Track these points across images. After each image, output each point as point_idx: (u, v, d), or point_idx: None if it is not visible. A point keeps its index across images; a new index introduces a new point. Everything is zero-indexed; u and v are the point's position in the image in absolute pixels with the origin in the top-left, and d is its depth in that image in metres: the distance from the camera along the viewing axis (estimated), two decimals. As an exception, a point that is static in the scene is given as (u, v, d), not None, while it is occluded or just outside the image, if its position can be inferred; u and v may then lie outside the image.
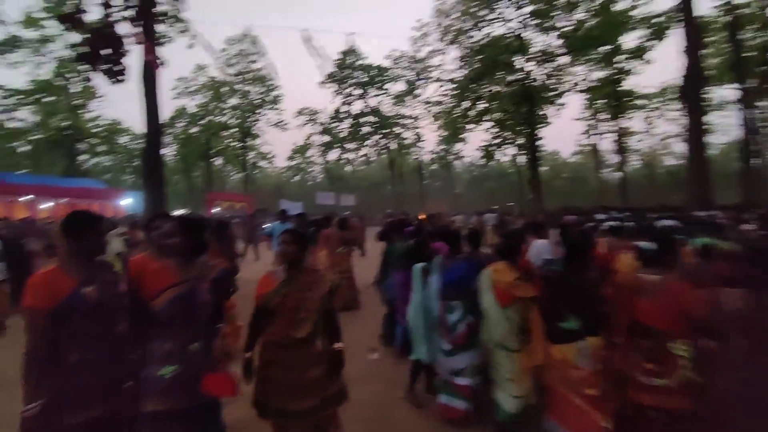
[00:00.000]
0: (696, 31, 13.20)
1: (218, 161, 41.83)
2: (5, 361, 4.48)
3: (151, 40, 10.03)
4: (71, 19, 9.36)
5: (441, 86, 23.84)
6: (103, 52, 9.64)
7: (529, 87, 21.13)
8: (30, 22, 26.38)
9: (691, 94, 12.45)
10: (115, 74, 9.81)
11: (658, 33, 19.69)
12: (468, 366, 2.65)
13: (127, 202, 26.57)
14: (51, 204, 21.16)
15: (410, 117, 36.81)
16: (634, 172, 36.81)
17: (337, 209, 36.38)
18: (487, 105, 23.34)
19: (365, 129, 36.64)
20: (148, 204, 10.03)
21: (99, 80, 10.29)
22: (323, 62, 33.43)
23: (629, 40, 21.49)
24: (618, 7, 19.41)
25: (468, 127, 24.14)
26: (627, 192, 24.92)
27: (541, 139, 22.55)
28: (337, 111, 35.93)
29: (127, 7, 9.94)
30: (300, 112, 40.11)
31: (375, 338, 4.79)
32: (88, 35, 9.66)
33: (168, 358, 1.87)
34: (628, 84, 24.27)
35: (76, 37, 28.19)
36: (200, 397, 1.90)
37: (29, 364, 1.58)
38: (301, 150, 47.88)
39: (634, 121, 28.14)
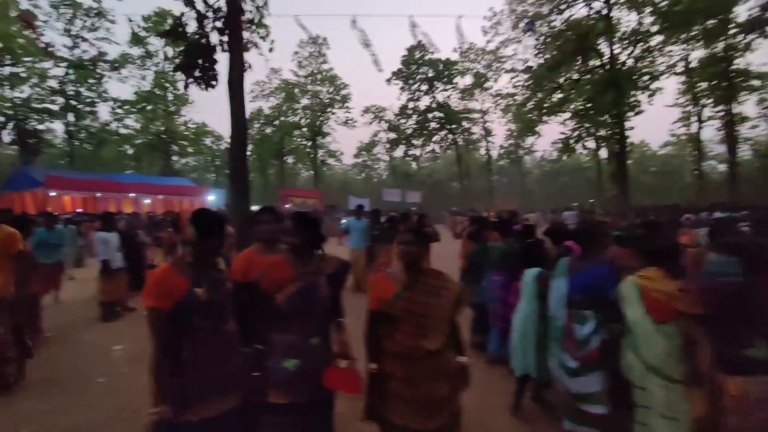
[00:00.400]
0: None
1: (289, 159, 44.16)
2: (139, 338, 5.08)
3: (239, 47, 10.66)
4: (172, 34, 10.27)
5: (514, 77, 22.56)
6: (197, 61, 10.45)
7: (617, 72, 19.12)
8: (136, 40, 29.87)
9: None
10: (208, 81, 10.59)
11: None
12: (600, 390, 2.26)
13: (212, 198, 29.18)
14: (149, 200, 23.79)
15: (479, 111, 35.65)
16: (745, 165, 31.90)
17: (403, 206, 36.69)
18: (565, 95, 21.63)
19: (432, 124, 36.17)
20: (234, 199, 10.71)
21: (191, 88, 11.01)
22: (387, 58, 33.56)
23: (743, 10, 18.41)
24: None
25: (544, 119, 22.54)
26: (737, 187, 21.60)
27: (631, 129, 20.35)
28: (403, 107, 35.90)
29: (216, 19, 10.66)
30: (367, 110, 40.85)
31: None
32: (184, 48, 10.51)
33: (289, 351, 1.86)
34: (742, 62, 21.03)
35: (172, 50, 31.28)
36: (320, 391, 1.89)
37: (156, 364, 1.62)
38: (367, 147, 48.80)
39: (745, 105, 24.36)
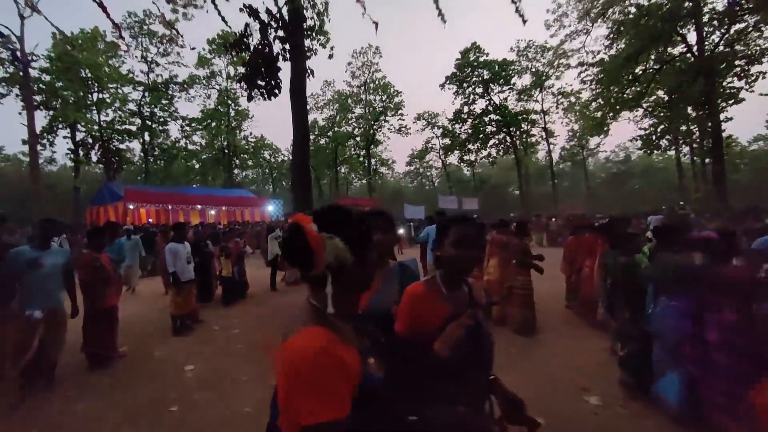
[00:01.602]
0: None
1: (343, 169, 44.76)
2: (210, 357, 4.87)
3: (301, 55, 10.56)
4: (237, 46, 10.39)
5: (584, 70, 20.77)
6: (260, 71, 10.47)
7: (709, 57, 16.85)
8: (202, 61, 31.92)
9: None
10: (271, 91, 10.57)
11: None
12: None
13: (271, 208, 30.10)
14: (214, 211, 24.88)
15: (539, 112, 33.69)
16: None
17: (460, 212, 35.47)
18: (641, 88, 19.53)
19: (489, 128, 34.77)
20: (297, 208, 10.51)
21: (254, 99, 11.05)
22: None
23: None
24: None
25: (618, 115, 20.49)
26: None
27: (728, 120, 17.81)
28: (458, 112, 34.90)
29: (278, 28, 10.64)
30: (419, 117, 40.35)
31: (582, 374, 3.72)
32: (248, 58, 10.58)
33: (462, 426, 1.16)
34: None
35: (233, 69, 32.89)
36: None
37: None
38: (419, 155, 48.28)
39: None
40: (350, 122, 36.55)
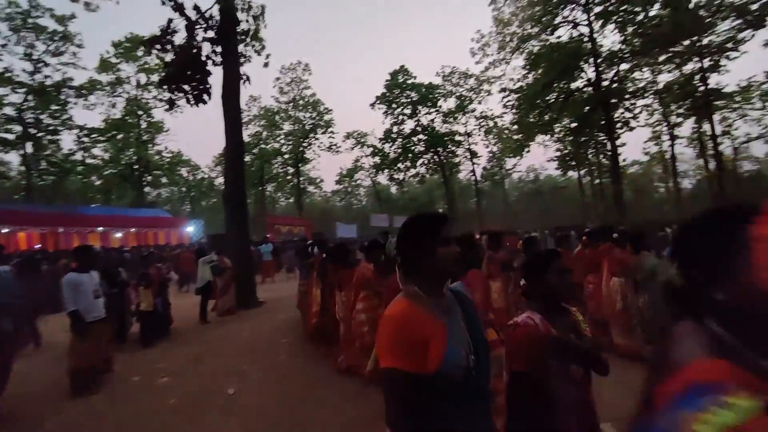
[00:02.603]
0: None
1: (269, 187, 42.65)
2: (129, 424, 3.80)
3: (234, 59, 9.62)
4: (158, 42, 9.12)
5: (506, 96, 22.47)
6: (186, 73, 9.31)
7: (606, 91, 19.33)
8: (105, 66, 28.31)
9: None
10: (199, 95, 9.43)
11: (758, 21, 17.25)
12: None
13: (191, 230, 27.20)
14: (120, 234, 21.72)
15: (462, 134, 35.71)
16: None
17: (392, 231, 35.66)
18: (553, 114, 21.72)
19: (417, 148, 35.87)
20: (231, 226, 9.36)
21: (171, 107, 9.84)
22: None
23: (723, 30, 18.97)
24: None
25: (536, 138, 22.48)
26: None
27: (623, 145, 20.47)
28: (388, 131, 35.52)
29: (207, 28, 9.62)
30: (349, 135, 40.29)
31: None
32: (173, 57, 9.36)
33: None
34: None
35: (144, 77, 29.72)
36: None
37: None
38: (349, 173, 48.06)
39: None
40: (278, 139, 35.06)
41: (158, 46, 9.10)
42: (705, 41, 18.80)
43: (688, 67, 20.79)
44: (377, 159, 38.29)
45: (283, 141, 34.72)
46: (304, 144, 35.22)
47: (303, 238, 17.55)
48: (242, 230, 9.50)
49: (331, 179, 79.90)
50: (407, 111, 35.01)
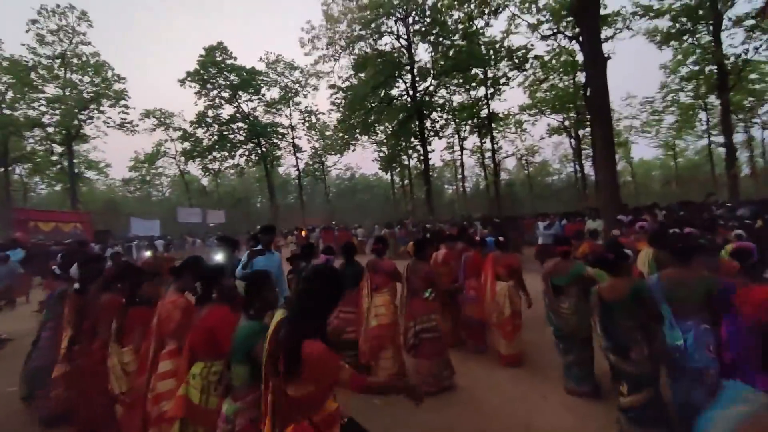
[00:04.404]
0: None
1: (19, 169, 31.24)
2: None
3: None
4: None
5: (335, 93, 22.72)
6: None
7: (420, 101, 21.93)
8: None
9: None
10: None
11: (521, 64, 22.81)
12: None
13: None
14: None
15: (287, 127, 34.48)
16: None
17: (203, 227, 31.40)
18: (376, 117, 23.33)
19: (237, 137, 32.64)
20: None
21: None
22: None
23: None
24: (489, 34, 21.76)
25: (358, 138, 23.62)
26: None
27: (432, 151, 23.70)
28: (201, 114, 31.03)
29: None
30: (149, 114, 33.43)
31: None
32: None
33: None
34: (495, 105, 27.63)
35: None
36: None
37: None
38: (149, 159, 40.19)
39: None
40: (35, 105, 25.62)
41: None
42: (489, 74, 23.59)
43: (475, 94, 25.68)
44: (187, 145, 33.11)
45: (44, 108, 25.71)
46: (82, 117, 27.13)
47: (80, 240, 13.10)
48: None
49: (122, 165, 65.47)
50: (225, 94, 31.44)
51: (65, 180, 29.97)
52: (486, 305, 4.44)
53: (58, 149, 28.06)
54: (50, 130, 26.83)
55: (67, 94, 26.07)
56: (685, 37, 18.79)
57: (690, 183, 31.57)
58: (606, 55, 8.89)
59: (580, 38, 11.53)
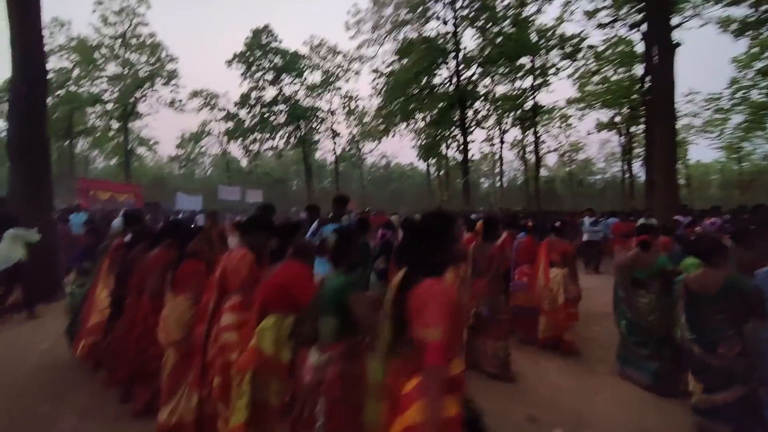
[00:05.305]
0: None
1: (82, 143, 33.63)
2: None
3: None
4: None
5: (377, 77, 22.57)
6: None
7: (462, 90, 21.37)
8: None
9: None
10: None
11: (573, 54, 21.63)
12: None
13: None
14: None
15: (326, 111, 34.79)
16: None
17: (242, 205, 32.52)
18: (416, 104, 22.97)
19: (278, 119, 33.31)
20: (21, 185, 6.60)
21: None
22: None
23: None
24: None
25: (399, 124, 23.40)
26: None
27: (472, 142, 23.12)
28: (245, 96, 31.86)
29: None
30: (196, 94, 34.73)
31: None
32: None
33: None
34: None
35: None
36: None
37: None
38: (195, 138, 41.86)
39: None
40: (97, 82, 27.38)
41: None
42: (538, 63, 22.58)
43: (519, 85, 24.61)
44: (230, 124, 34.20)
45: (105, 86, 27.38)
46: (137, 95, 28.64)
47: (133, 209, 13.96)
48: (43, 193, 6.78)
49: (169, 143, 68.64)
50: (269, 77, 32.04)
51: (120, 154, 31.92)
52: (538, 291, 4.31)
53: (115, 125, 29.86)
54: (109, 107, 28.59)
55: (126, 72, 27.57)
56: (765, 28, 17.00)
57: (755, 189, 28.92)
58: (675, 43, 8.19)
59: (643, 26, 10.73)
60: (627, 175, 27.93)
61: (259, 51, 30.59)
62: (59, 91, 27.23)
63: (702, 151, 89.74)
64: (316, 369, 1.78)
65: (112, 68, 27.43)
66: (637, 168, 27.56)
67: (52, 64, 26.96)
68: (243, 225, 2.85)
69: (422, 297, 1.42)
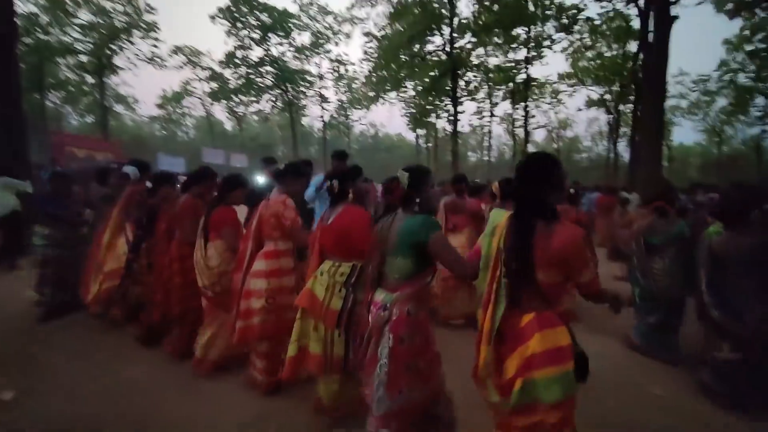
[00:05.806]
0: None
1: (52, 97, 31.76)
2: None
3: None
4: None
5: (368, 42, 21.78)
6: None
7: (456, 58, 20.86)
8: None
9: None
10: None
11: (569, 26, 21.22)
12: None
13: None
14: None
15: (315, 75, 33.65)
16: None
17: (226, 169, 31.85)
18: (409, 71, 22.38)
19: (265, 81, 32.10)
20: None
21: None
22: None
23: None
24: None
25: (388, 92, 22.85)
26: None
27: (462, 113, 22.81)
28: (230, 55, 30.45)
29: None
30: (177, 50, 33.03)
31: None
32: None
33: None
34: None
35: None
36: None
37: None
38: (176, 97, 40.22)
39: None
40: (69, 29, 25.54)
41: None
42: (532, 34, 22.13)
43: (513, 56, 24.13)
44: (215, 85, 32.88)
45: (78, 35, 25.65)
46: (113, 46, 27.01)
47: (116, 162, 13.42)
48: (18, 148, 6.46)
49: (150, 104, 65.75)
50: (255, 35, 30.58)
51: (96, 111, 30.42)
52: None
53: (90, 80, 28.26)
54: (83, 59, 26.90)
55: (100, 21, 25.82)
56: (761, 9, 16.98)
57: (731, 171, 29.85)
58: (673, 16, 8.11)
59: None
60: (612, 154, 28.31)
61: (245, 7, 29.00)
62: (27, 39, 25.37)
63: (685, 133, 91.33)
64: (382, 307, 1.76)
65: (84, 16, 25.61)
66: (623, 148, 27.94)
67: (19, 8, 24.94)
68: (281, 172, 2.85)
69: (568, 248, 1.43)
